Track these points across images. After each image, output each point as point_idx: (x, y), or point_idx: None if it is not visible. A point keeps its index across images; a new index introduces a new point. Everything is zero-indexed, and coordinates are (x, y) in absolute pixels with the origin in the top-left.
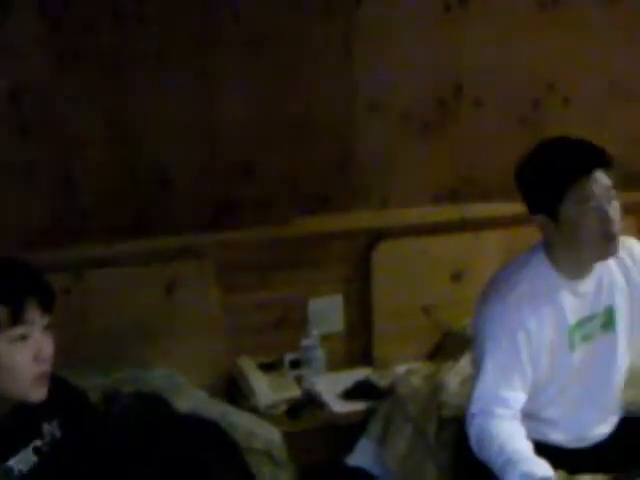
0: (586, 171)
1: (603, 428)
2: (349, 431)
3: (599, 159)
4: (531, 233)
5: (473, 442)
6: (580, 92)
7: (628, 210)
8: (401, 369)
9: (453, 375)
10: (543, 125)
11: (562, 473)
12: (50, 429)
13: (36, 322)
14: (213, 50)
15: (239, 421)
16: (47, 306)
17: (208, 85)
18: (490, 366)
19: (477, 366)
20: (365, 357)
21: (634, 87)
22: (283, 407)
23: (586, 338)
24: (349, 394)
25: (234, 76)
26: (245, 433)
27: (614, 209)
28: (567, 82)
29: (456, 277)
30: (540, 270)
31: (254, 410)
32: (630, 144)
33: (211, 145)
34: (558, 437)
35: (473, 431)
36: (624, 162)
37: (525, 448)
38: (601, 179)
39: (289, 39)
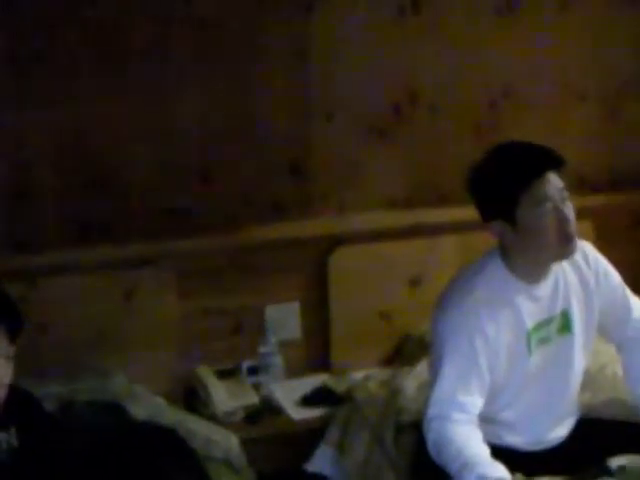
0: (539, 173)
1: (560, 431)
2: (308, 437)
3: (551, 161)
4: (487, 237)
5: (430, 446)
6: (535, 96)
7: (584, 214)
8: (359, 375)
9: (411, 380)
10: (499, 130)
11: (519, 476)
12: (7, 437)
13: (2, 352)
14: (166, 56)
15: (197, 428)
16: (14, 335)
17: (162, 93)
18: (448, 371)
19: (434, 371)
20: (323, 363)
21: (588, 91)
22: (241, 414)
23: (543, 341)
24: (307, 400)
25: (187, 83)
26: (203, 440)
27: (569, 209)
28: (522, 87)
29: (413, 282)
30: (497, 275)
31: (212, 417)
32: (585, 148)
33: (165, 152)
34: (515, 440)
35: (430, 436)
36: (579, 167)
37: (482, 452)
38: (554, 180)
39: (243, 45)
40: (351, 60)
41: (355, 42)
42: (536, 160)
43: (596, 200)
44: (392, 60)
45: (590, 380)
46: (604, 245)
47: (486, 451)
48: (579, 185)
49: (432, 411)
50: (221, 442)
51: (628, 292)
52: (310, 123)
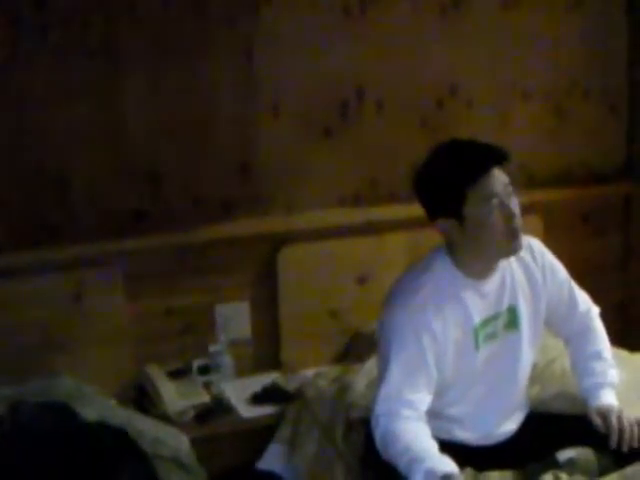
0: (484, 170)
1: (509, 425)
2: (259, 435)
3: (496, 156)
4: (435, 234)
5: (379, 443)
6: (482, 94)
7: (532, 210)
8: (309, 373)
9: (360, 377)
10: (446, 127)
11: (469, 471)
12: None
13: None
14: (115, 55)
15: (146, 428)
16: None
17: (110, 90)
18: (395, 368)
19: (382, 368)
20: (273, 362)
21: (533, 88)
22: (192, 413)
23: (490, 337)
24: (257, 399)
25: (137, 81)
26: (152, 440)
27: (515, 205)
28: (469, 84)
29: (362, 280)
30: (444, 272)
31: (163, 417)
32: (532, 145)
33: (113, 153)
34: (464, 435)
35: (378, 432)
36: (527, 162)
37: (430, 447)
38: (499, 176)
39: (191, 43)
40: (298, 59)
41: (302, 41)
42: (481, 156)
43: (544, 196)
44: (339, 58)
45: (539, 374)
46: (552, 240)
47: (434, 446)
48: (527, 181)
49: (380, 408)
50: (171, 442)
51: (574, 287)
52: (258, 122)
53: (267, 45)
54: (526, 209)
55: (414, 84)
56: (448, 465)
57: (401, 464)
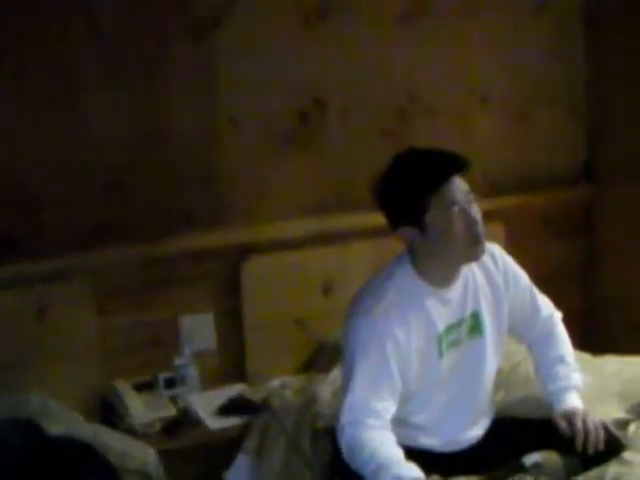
0: (445, 178)
1: (475, 431)
2: (226, 447)
3: (456, 164)
4: (399, 242)
5: (345, 452)
6: (443, 101)
7: (494, 216)
8: (275, 383)
9: (326, 386)
10: (407, 135)
11: (436, 477)
12: None
13: None
14: (75, 69)
15: (113, 442)
16: None
17: (72, 106)
18: (360, 378)
19: (346, 378)
20: (239, 373)
21: (494, 94)
22: (158, 426)
23: (454, 344)
24: (224, 410)
25: (98, 95)
26: (119, 454)
27: (476, 211)
28: (431, 91)
29: (327, 289)
30: (406, 280)
31: (130, 430)
32: (493, 151)
33: (76, 165)
34: (430, 442)
35: (344, 441)
36: (489, 168)
37: (396, 454)
38: (460, 184)
39: (151, 56)
40: (258, 69)
41: (262, 51)
42: (442, 164)
43: (506, 202)
44: (299, 68)
45: (504, 379)
46: (514, 246)
47: (400, 453)
48: (489, 188)
49: (345, 417)
50: (137, 455)
51: (536, 292)
52: (219, 134)
53: (227, 56)
54: (488, 215)
55: (375, 92)
56: (414, 471)
57: (367, 472)
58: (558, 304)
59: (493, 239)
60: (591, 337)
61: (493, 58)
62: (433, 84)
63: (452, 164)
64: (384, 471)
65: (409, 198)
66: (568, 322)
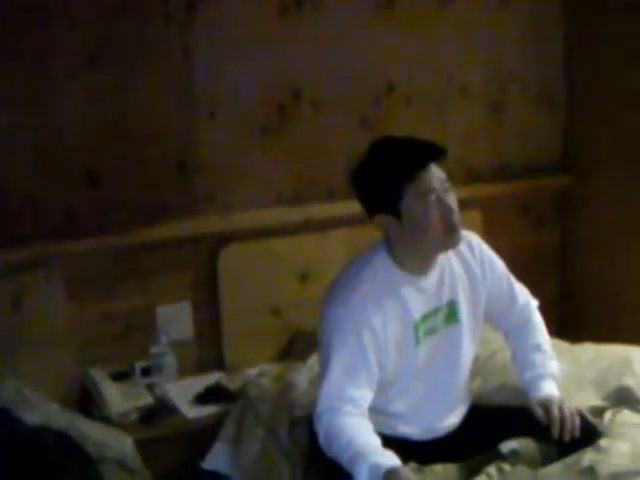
0: (421, 165)
1: (452, 419)
2: (203, 435)
3: (432, 152)
4: (376, 231)
5: (322, 440)
6: (420, 90)
7: (472, 204)
8: (253, 371)
9: (303, 374)
10: (384, 124)
11: (413, 464)
12: None
13: None
14: (45, 57)
15: (90, 431)
16: None
17: (45, 92)
18: (336, 366)
19: (323, 366)
20: (217, 361)
21: (470, 84)
22: (135, 415)
23: (430, 332)
24: (201, 399)
25: (71, 82)
26: (96, 443)
27: (453, 200)
28: (406, 81)
29: (303, 277)
30: (382, 268)
31: (107, 420)
32: (470, 140)
33: (49, 155)
34: (407, 430)
35: (321, 429)
36: (466, 157)
37: (373, 441)
38: (436, 172)
39: (126, 44)
40: (234, 59)
41: (238, 40)
42: (418, 152)
43: (483, 190)
44: (275, 58)
45: (481, 367)
46: (491, 234)
47: (377, 441)
48: (466, 176)
49: (322, 405)
50: (114, 444)
51: (513, 280)
52: (195, 122)
53: (203, 46)
54: (465, 203)
55: (352, 82)
56: (392, 459)
57: (344, 460)
58: (535, 292)
59: (470, 227)
60: (568, 324)
61: (469, 48)
62: (410, 74)
63: (428, 152)
64: (361, 459)
65: (385, 186)
66: (545, 310)
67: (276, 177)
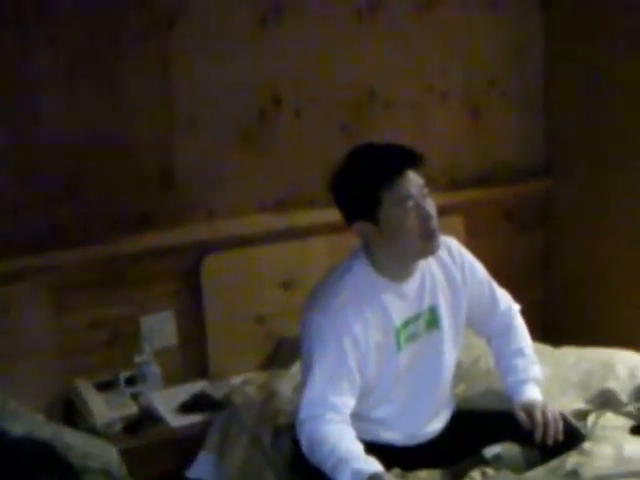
0: (398, 172)
1: (435, 424)
2: (188, 444)
3: (410, 159)
4: (358, 238)
5: (305, 447)
6: (401, 97)
7: (453, 210)
8: (237, 380)
9: (286, 382)
10: (365, 131)
11: (397, 471)
12: None
13: None
14: (27, 69)
15: (74, 441)
16: None
17: (25, 105)
18: (318, 373)
19: (305, 373)
20: (201, 370)
21: (451, 89)
22: (120, 425)
23: (412, 338)
24: (186, 407)
25: (52, 96)
26: (80, 453)
27: (431, 206)
28: (388, 87)
29: (286, 285)
30: (363, 275)
31: (92, 430)
32: (452, 145)
33: (30, 165)
34: (391, 436)
35: (304, 436)
36: (448, 163)
37: (355, 448)
38: (414, 178)
39: (106, 57)
40: (215, 67)
41: (218, 50)
42: (395, 159)
43: (465, 196)
44: (256, 66)
45: (464, 373)
46: (475, 239)
47: (360, 447)
48: (448, 182)
49: (304, 413)
50: (99, 454)
51: (494, 285)
52: (176, 132)
53: (184, 54)
54: (447, 209)
55: (333, 89)
56: (374, 466)
57: (327, 467)
58: (519, 297)
59: (452, 232)
60: (552, 329)
61: (449, 54)
62: (391, 80)
63: (405, 159)
64: (344, 465)
65: (362, 193)
66: (529, 314)
67: (258, 185)
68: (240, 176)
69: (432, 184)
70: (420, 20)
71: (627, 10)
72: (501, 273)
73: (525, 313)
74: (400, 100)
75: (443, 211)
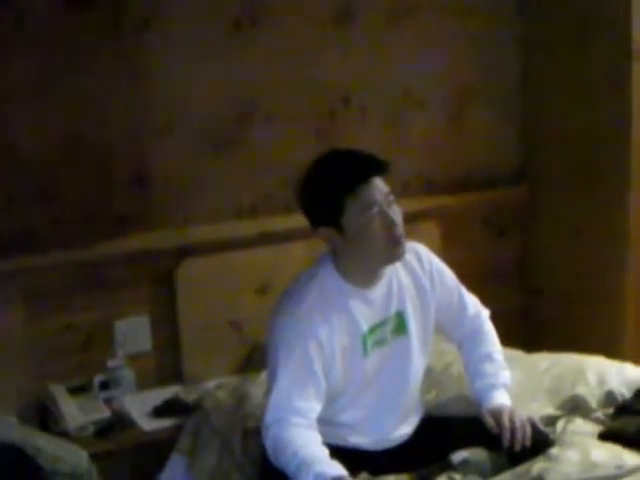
0: (363, 179)
1: (404, 429)
2: (160, 448)
3: (374, 166)
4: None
5: (270, 452)
6: (376, 103)
7: (429, 214)
8: (211, 384)
9: (257, 387)
10: (340, 138)
11: (365, 475)
12: None
13: None
14: (2, 73)
15: (44, 445)
16: None
17: None
18: (283, 378)
19: (270, 378)
20: (176, 375)
21: (427, 95)
22: (92, 429)
23: (379, 343)
24: (158, 412)
25: (26, 99)
26: (50, 456)
27: (396, 213)
28: (363, 93)
29: (261, 290)
30: (329, 281)
31: (64, 434)
32: (428, 152)
33: (6, 169)
34: (359, 440)
35: (269, 441)
36: (423, 170)
37: (319, 452)
38: (379, 185)
39: (80, 60)
40: (190, 73)
41: (193, 55)
42: (360, 166)
43: (442, 202)
44: (230, 72)
45: (436, 379)
46: (451, 245)
47: (324, 451)
48: (425, 188)
49: (270, 417)
50: (69, 458)
51: (463, 291)
52: (151, 137)
53: (158, 59)
54: (423, 215)
55: (307, 95)
56: (337, 469)
57: (291, 470)
58: (494, 302)
59: (428, 238)
60: (529, 334)
61: (425, 60)
62: (367, 86)
63: (370, 166)
64: (307, 468)
65: (326, 200)
66: (505, 320)
67: (233, 190)
68: (215, 181)
69: (409, 190)
70: (395, 26)
71: (602, 14)
72: (477, 279)
73: (502, 319)
74: (375, 106)
75: (419, 217)
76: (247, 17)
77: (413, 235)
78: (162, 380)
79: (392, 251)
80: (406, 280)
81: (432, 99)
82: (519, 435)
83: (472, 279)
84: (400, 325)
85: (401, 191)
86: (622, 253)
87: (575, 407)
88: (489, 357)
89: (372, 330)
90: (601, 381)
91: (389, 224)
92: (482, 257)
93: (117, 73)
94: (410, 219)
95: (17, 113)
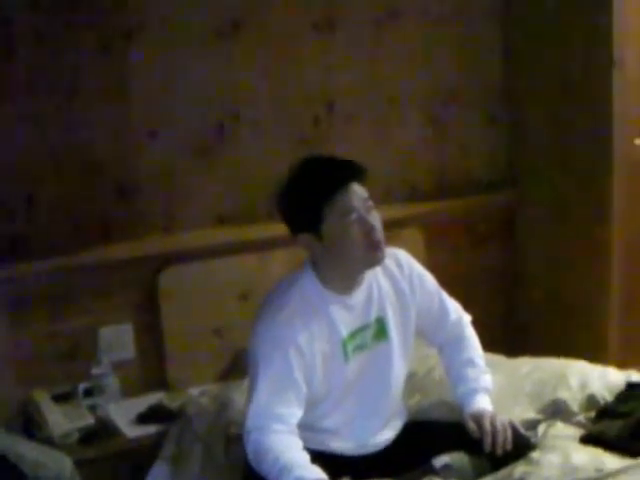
0: (341, 185)
1: (386, 434)
2: (144, 455)
3: (352, 172)
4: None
5: (251, 458)
6: (360, 109)
7: (413, 221)
8: (195, 391)
9: (239, 393)
10: (324, 144)
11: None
12: None
13: None
14: None
15: (27, 452)
16: None
17: None
18: (263, 385)
19: (251, 385)
20: (160, 382)
21: (411, 101)
22: (76, 436)
23: (360, 348)
24: (142, 418)
25: (10, 107)
26: (33, 463)
27: (375, 218)
28: (346, 100)
29: (244, 297)
30: (309, 287)
31: (48, 441)
32: (413, 157)
33: None
34: (341, 445)
35: (250, 447)
36: (407, 175)
37: (300, 457)
38: (357, 191)
39: (63, 69)
40: (173, 81)
41: (176, 64)
42: (338, 172)
43: (425, 207)
44: (213, 79)
45: (418, 384)
46: (435, 251)
47: (305, 457)
48: (409, 193)
49: (250, 423)
50: (52, 464)
51: (444, 296)
52: (135, 144)
53: (142, 68)
54: (407, 221)
55: (291, 102)
56: (317, 473)
57: (272, 476)
58: (480, 309)
59: (412, 244)
60: (511, 339)
61: (409, 66)
62: (350, 93)
63: (346, 172)
64: (287, 473)
65: (304, 205)
66: (490, 326)
67: (216, 197)
68: (199, 188)
69: (392, 195)
70: (379, 32)
71: (585, 22)
72: (462, 286)
73: (484, 324)
74: (360, 112)
75: (403, 223)
76: (230, 25)
77: (397, 241)
78: (146, 387)
79: (372, 256)
80: (386, 285)
81: (416, 105)
82: (500, 439)
83: (455, 285)
84: (381, 330)
85: (385, 197)
86: (606, 259)
87: (557, 411)
88: (471, 362)
89: (352, 335)
90: (583, 385)
91: (368, 229)
92: (465, 263)
93: (101, 81)
94: (394, 225)
95: (7, 123)
